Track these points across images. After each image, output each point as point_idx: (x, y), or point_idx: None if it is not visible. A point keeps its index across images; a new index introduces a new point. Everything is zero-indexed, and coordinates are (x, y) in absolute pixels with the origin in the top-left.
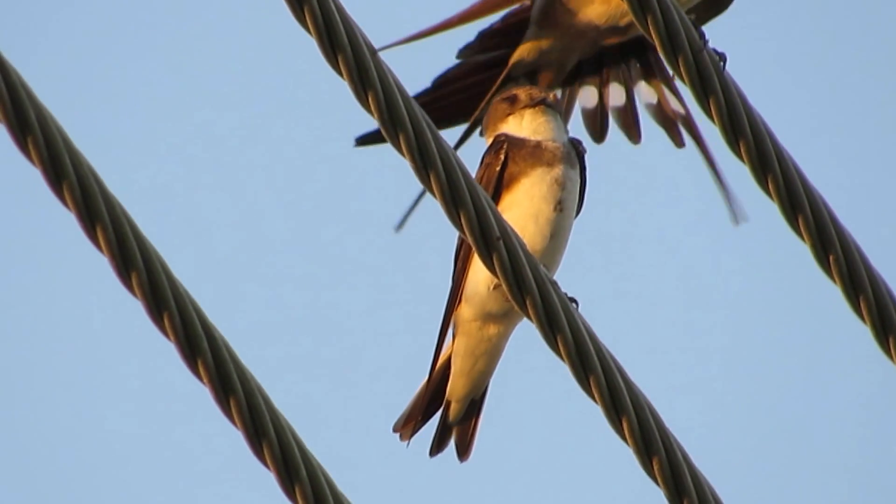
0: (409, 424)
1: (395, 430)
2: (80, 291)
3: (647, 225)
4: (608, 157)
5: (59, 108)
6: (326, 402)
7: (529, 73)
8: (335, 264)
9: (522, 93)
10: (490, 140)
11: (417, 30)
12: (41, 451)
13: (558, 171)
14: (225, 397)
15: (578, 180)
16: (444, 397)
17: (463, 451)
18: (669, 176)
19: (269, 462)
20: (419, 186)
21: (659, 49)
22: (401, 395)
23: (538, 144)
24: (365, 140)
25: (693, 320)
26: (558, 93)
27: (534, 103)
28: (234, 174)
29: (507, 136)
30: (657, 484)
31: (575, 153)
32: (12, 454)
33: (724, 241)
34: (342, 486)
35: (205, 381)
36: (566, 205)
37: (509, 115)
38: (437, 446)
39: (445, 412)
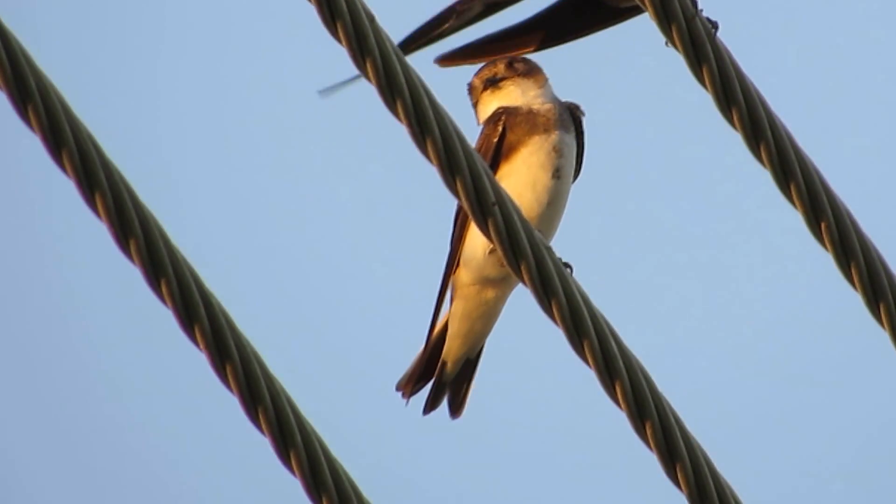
0: (409, 383)
1: (397, 389)
2: (79, 258)
3: (644, 189)
4: (600, 117)
5: (59, 76)
6: (325, 368)
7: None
8: (338, 231)
9: (475, 79)
10: (482, 122)
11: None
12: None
13: (555, 137)
14: (221, 364)
15: (575, 145)
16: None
17: (455, 409)
18: (663, 139)
19: (264, 428)
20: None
21: (652, 16)
22: (400, 358)
23: (530, 110)
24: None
25: (688, 285)
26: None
27: (485, 87)
28: (235, 140)
29: (504, 108)
30: (650, 448)
31: (570, 115)
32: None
33: (718, 206)
34: (336, 450)
35: (202, 347)
36: (563, 171)
37: (476, 103)
38: (431, 404)
39: (441, 371)
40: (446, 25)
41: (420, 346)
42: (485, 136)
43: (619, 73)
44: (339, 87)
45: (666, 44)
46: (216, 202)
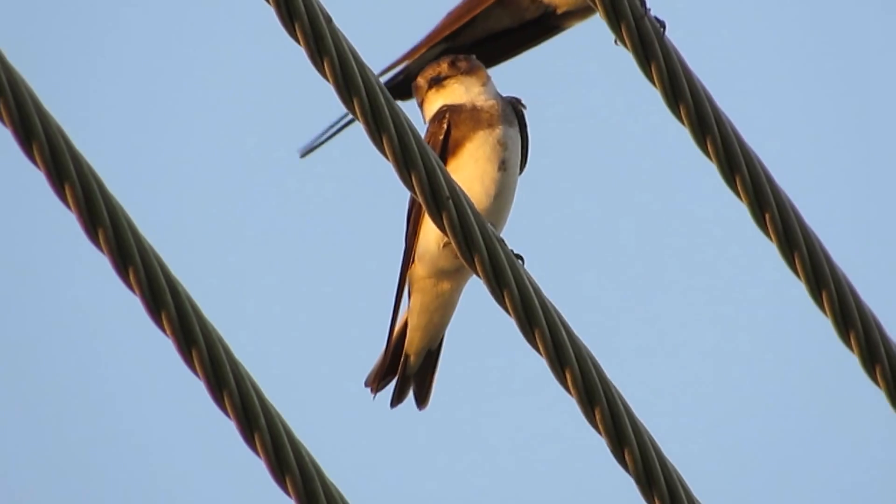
0: (376, 379)
1: (365, 385)
2: (49, 247)
3: (592, 181)
4: (550, 112)
5: (29, 71)
6: (287, 355)
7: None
8: (304, 224)
9: (420, 79)
10: (428, 118)
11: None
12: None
13: (499, 131)
14: (188, 349)
15: (519, 138)
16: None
17: (421, 400)
18: (611, 134)
19: (229, 410)
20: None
21: (602, 16)
22: (361, 349)
23: (473, 107)
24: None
25: (635, 273)
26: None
27: (430, 86)
28: (200, 132)
29: (447, 105)
30: (599, 433)
31: (512, 110)
32: None
33: (664, 198)
34: (300, 434)
35: (168, 333)
36: (509, 164)
37: (422, 102)
38: (398, 397)
39: (404, 365)
40: (409, 76)
41: (383, 341)
42: (431, 134)
43: (569, 69)
44: (318, 143)
45: (615, 42)
46: (182, 192)
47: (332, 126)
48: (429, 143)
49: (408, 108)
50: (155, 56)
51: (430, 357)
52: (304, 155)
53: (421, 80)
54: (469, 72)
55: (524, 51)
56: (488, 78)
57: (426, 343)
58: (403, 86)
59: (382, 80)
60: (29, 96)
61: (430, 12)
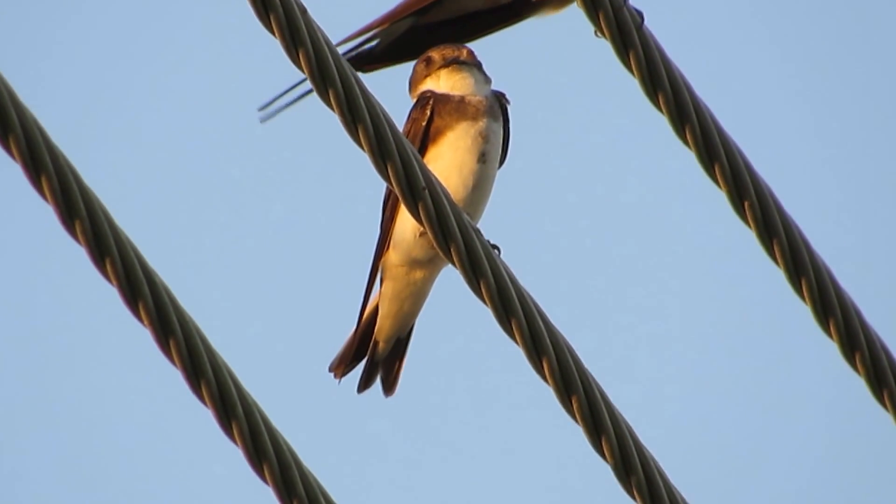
0: (341, 364)
1: (329, 370)
2: (25, 240)
3: (571, 172)
4: (525, 102)
5: (4, 65)
6: (264, 344)
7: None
8: (274, 212)
9: (436, 53)
10: (415, 98)
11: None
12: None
13: (482, 124)
14: (165, 339)
15: (502, 132)
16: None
17: (388, 388)
18: (594, 118)
19: (206, 399)
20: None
21: (580, 6)
22: (336, 337)
23: (462, 99)
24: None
25: (613, 263)
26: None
27: (447, 63)
28: (175, 125)
29: (433, 92)
30: (576, 421)
31: (498, 105)
32: None
33: (642, 187)
34: (277, 423)
35: (146, 323)
36: (489, 156)
37: (427, 76)
38: (365, 383)
39: (373, 351)
40: (376, 48)
41: (351, 327)
42: (412, 120)
43: (546, 59)
44: (278, 103)
45: (595, 33)
46: (162, 182)
47: (293, 87)
48: (410, 127)
49: (368, 79)
50: (128, 46)
51: (399, 344)
52: (264, 120)
53: (436, 56)
54: (480, 67)
55: (491, 33)
56: (479, 70)
57: (396, 330)
58: (364, 57)
59: (343, 49)
60: (4, 89)
61: None
